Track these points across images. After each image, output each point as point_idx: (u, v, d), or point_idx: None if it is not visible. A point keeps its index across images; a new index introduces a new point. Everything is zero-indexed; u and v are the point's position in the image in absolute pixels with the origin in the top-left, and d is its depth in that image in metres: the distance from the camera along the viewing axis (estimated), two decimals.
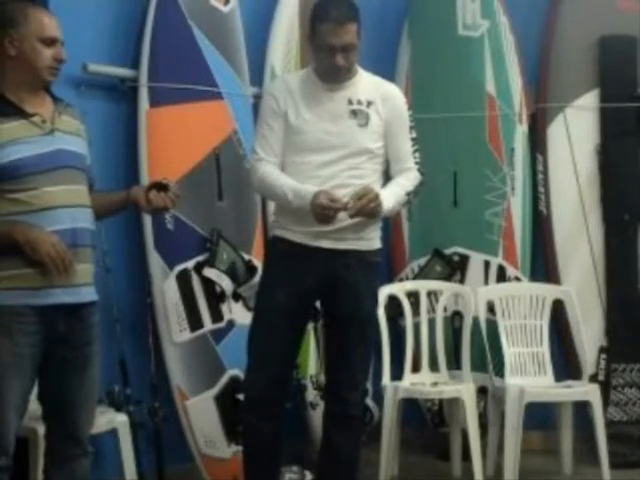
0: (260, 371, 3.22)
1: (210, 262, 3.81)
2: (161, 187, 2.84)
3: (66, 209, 2.59)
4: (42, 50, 2.61)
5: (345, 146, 3.15)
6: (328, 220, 3.05)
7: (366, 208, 3.03)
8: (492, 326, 4.26)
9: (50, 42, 2.62)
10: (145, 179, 3.68)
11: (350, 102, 3.18)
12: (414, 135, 3.25)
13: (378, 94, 3.21)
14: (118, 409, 3.49)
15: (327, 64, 3.14)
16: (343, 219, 3.10)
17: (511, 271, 4.45)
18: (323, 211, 3.02)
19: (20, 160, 2.54)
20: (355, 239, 3.19)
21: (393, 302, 4.26)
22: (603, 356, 4.44)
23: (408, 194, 3.21)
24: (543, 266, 4.58)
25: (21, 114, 2.59)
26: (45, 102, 2.68)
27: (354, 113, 3.18)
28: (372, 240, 3.25)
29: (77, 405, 2.68)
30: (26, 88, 2.63)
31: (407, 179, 3.22)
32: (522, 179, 4.48)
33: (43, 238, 2.51)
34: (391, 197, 3.15)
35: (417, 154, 3.25)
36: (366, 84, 3.23)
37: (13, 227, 2.52)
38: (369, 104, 3.19)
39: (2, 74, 2.64)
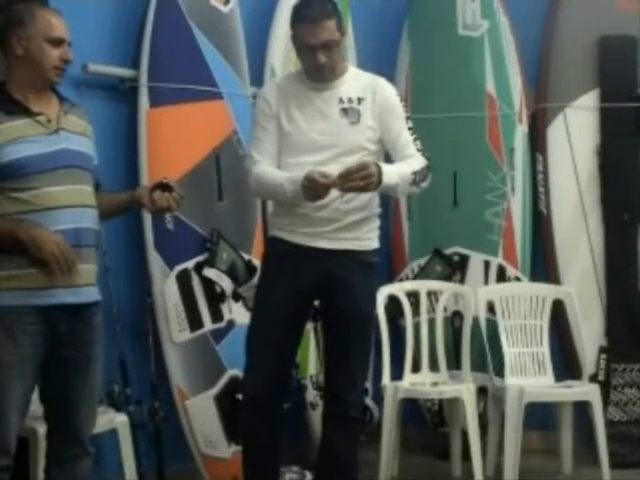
0: (257, 371, 3.21)
1: (210, 262, 3.81)
2: (165, 187, 2.84)
3: (69, 209, 2.60)
4: (49, 50, 2.62)
5: (338, 145, 3.14)
6: (318, 196, 3.01)
7: (356, 186, 2.98)
8: (492, 326, 4.26)
9: (57, 42, 2.64)
10: (145, 179, 3.68)
11: (341, 101, 3.18)
12: (411, 125, 3.23)
13: (368, 89, 3.20)
14: (118, 409, 3.49)
15: (310, 64, 3.14)
16: (339, 213, 3.11)
17: (511, 271, 4.45)
18: (311, 184, 2.97)
19: (23, 159, 2.54)
20: (352, 239, 3.18)
21: (393, 302, 4.26)
22: (603, 356, 4.43)
23: (415, 173, 3.13)
24: (543, 266, 4.58)
25: (26, 113, 2.60)
26: (51, 102, 2.69)
27: (345, 111, 3.17)
28: (369, 240, 3.24)
29: (79, 405, 2.68)
30: (32, 87, 2.64)
31: (412, 160, 3.16)
32: (522, 179, 4.48)
33: (47, 237, 2.52)
34: (394, 172, 3.08)
35: (418, 142, 3.21)
36: (356, 81, 3.23)
37: (17, 225, 2.52)
38: (360, 101, 3.18)
39: (9, 73, 2.65)
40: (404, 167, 3.14)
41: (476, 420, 4.05)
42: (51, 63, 2.63)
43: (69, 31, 2.70)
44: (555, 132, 4.53)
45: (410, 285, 4.40)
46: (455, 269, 4.47)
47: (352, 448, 3.29)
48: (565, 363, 4.40)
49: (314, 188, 2.99)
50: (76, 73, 3.54)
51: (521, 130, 4.51)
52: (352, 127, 3.17)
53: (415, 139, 3.21)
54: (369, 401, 4.27)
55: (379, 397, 4.16)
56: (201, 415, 3.77)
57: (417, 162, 3.17)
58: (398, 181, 3.10)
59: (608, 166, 4.48)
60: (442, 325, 4.32)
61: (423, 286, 4.36)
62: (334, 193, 3.05)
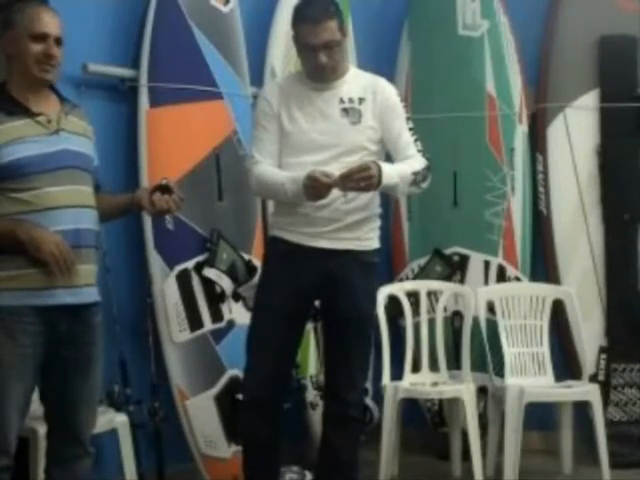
0: (258, 371, 3.22)
1: (210, 262, 3.81)
2: (165, 190, 2.83)
3: (69, 209, 2.60)
4: (31, 46, 2.59)
5: (339, 145, 3.15)
6: (319, 195, 3.02)
7: (357, 186, 3.00)
8: (492, 326, 4.26)
9: (40, 37, 2.60)
10: (145, 179, 3.68)
11: (342, 101, 3.19)
12: (411, 125, 3.24)
13: (369, 89, 3.21)
14: (118, 409, 3.49)
15: (312, 64, 3.15)
16: (340, 213, 3.12)
17: (511, 271, 4.45)
18: (314, 183, 2.99)
19: (24, 159, 2.54)
20: (352, 239, 3.19)
21: (393, 302, 4.26)
22: (603, 356, 4.43)
23: (415, 174, 3.14)
24: (543, 266, 4.58)
25: (26, 113, 2.60)
26: (51, 102, 2.68)
27: (346, 111, 3.18)
28: (369, 240, 3.25)
29: (79, 406, 2.68)
30: (27, 87, 2.63)
31: (413, 161, 3.18)
32: (522, 179, 4.48)
33: (46, 237, 2.52)
34: (394, 172, 3.09)
35: (418, 143, 3.22)
36: (357, 81, 3.23)
37: (17, 226, 2.52)
38: (361, 101, 3.19)
39: (8, 74, 2.65)
40: (404, 167, 3.15)
41: (476, 420, 4.05)
42: (32, 58, 2.59)
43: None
44: (555, 132, 4.53)
45: (410, 285, 4.40)
46: (455, 269, 4.47)
47: (352, 448, 3.29)
48: (565, 363, 4.40)
49: (316, 187, 3.00)
50: (76, 73, 3.55)
51: (521, 130, 4.51)
52: (353, 127, 3.17)
53: (416, 140, 3.23)
54: (369, 401, 4.27)
55: (379, 397, 4.16)
56: (201, 415, 3.77)
57: (417, 163, 3.18)
58: (398, 181, 3.11)
59: (608, 166, 4.48)
60: (442, 325, 4.32)
61: (423, 286, 4.36)
62: (335, 193, 3.06)
